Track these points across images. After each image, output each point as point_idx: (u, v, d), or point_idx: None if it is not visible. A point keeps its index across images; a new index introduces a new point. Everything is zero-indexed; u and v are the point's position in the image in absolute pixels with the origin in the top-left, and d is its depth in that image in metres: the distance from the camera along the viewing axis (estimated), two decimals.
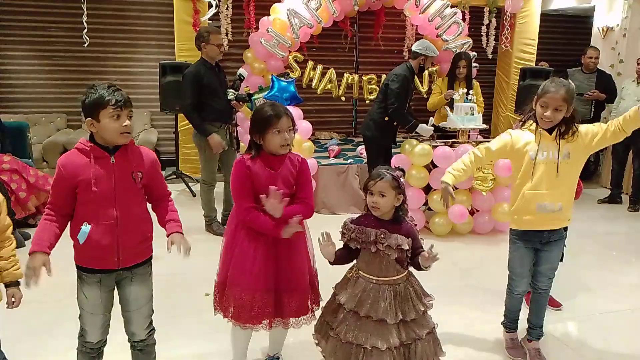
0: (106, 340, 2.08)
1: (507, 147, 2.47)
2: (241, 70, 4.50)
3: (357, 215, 2.17)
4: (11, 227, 1.99)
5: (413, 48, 4.53)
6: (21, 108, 6.13)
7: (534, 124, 2.42)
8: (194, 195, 5.52)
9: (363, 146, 5.55)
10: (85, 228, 1.88)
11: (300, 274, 2.25)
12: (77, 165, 1.88)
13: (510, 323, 2.74)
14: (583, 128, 2.41)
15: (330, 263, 2.13)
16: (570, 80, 5.83)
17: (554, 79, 2.40)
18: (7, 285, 1.96)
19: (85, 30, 5.18)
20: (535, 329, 2.67)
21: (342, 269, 2.20)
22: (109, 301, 2.02)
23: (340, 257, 2.14)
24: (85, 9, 5.17)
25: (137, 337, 2.10)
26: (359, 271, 2.11)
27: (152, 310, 2.12)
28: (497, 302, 2.65)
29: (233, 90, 4.37)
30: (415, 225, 2.14)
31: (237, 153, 4.39)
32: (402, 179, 2.06)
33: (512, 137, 2.47)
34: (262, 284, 2.16)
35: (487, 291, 3.30)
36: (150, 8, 6.30)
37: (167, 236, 2.04)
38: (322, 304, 2.30)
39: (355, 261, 2.17)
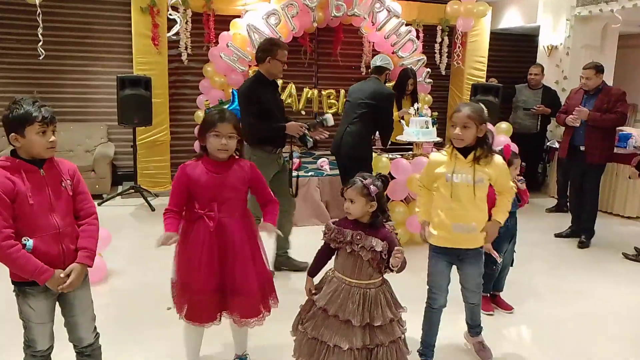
0: (53, 345, 2.09)
1: (430, 168, 2.59)
2: (328, 116, 3.85)
3: (340, 218, 2.25)
4: None
5: (379, 63, 4.47)
6: None
7: (451, 147, 2.52)
8: (153, 210, 5.47)
9: (325, 159, 5.67)
10: (29, 242, 1.88)
11: (246, 276, 2.31)
12: (10, 181, 1.85)
13: (426, 349, 2.71)
14: (503, 171, 2.52)
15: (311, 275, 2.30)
16: (516, 99, 5.98)
17: (465, 102, 2.56)
18: None
19: (40, 43, 5.09)
20: (474, 327, 2.81)
21: None
22: (53, 308, 2.05)
23: (320, 260, 2.28)
24: (40, 22, 5.08)
25: (85, 342, 2.13)
26: (335, 271, 2.20)
27: (95, 315, 2.17)
28: (455, 309, 2.76)
29: (309, 137, 3.80)
30: (396, 233, 2.23)
31: (291, 191, 3.95)
32: (372, 187, 2.11)
33: (430, 161, 2.62)
34: (208, 285, 2.25)
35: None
36: (108, 21, 6.24)
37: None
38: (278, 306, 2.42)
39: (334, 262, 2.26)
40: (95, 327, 2.17)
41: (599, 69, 4.66)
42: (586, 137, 4.71)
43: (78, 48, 6.21)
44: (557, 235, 5.06)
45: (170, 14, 3.37)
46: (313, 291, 2.23)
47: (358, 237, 2.11)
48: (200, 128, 2.28)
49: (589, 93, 4.74)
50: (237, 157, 2.35)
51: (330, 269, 2.27)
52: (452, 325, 2.90)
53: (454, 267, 2.67)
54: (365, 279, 2.12)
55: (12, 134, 1.88)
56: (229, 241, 2.27)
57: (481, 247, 2.63)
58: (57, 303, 2.06)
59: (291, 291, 2.35)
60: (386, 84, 4.68)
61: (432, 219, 2.61)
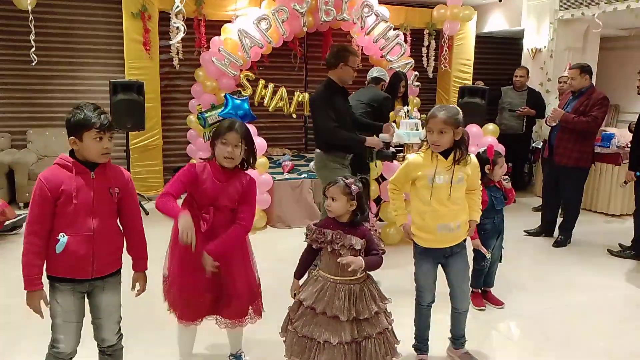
0: (77, 350, 2.13)
1: (408, 171, 2.58)
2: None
3: (320, 220, 2.35)
4: None
5: (375, 74, 4.84)
6: None
7: (430, 149, 2.55)
8: (147, 214, 5.51)
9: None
10: (63, 239, 1.97)
11: (235, 280, 2.39)
12: (60, 178, 1.97)
13: (420, 344, 2.78)
14: (475, 170, 2.61)
15: (297, 277, 2.37)
16: (502, 101, 6.02)
17: (439, 106, 2.58)
18: None
19: (33, 49, 5.11)
20: (459, 339, 2.82)
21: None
22: (81, 308, 2.10)
23: (305, 262, 2.35)
24: (33, 28, 5.11)
25: (107, 343, 2.19)
26: (319, 270, 2.29)
27: (121, 317, 2.22)
28: (445, 305, 2.85)
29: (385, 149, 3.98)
30: (375, 230, 2.32)
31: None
32: (353, 187, 2.21)
33: (409, 163, 2.59)
34: (200, 284, 2.32)
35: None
36: (99, 27, 6.27)
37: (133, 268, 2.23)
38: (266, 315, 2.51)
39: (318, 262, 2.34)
40: (119, 329, 2.22)
41: (584, 69, 4.62)
42: (557, 137, 4.76)
43: (69, 54, 6.23)
44: (527, 232, 5.14)
45: (174, 22, 3.44)
46: (296, 293, 2.32)
47: (338, 237, 2.20)
48: (213, 135, 2.36)
49: (574, 94, 4.77)
50: (241, 168, 2.40)
51: (313, 269, 2.36)
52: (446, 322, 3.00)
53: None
54: (349, 275, 2.20)
55: (72, 137, 1.98)
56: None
57: (465, 241, 2.71)
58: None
59: (285, 292, 2.43)
60: None
61: (414, 223, 2.64)
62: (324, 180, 3.73)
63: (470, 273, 3.40)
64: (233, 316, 2.43)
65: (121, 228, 2.17)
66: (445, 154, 2.51)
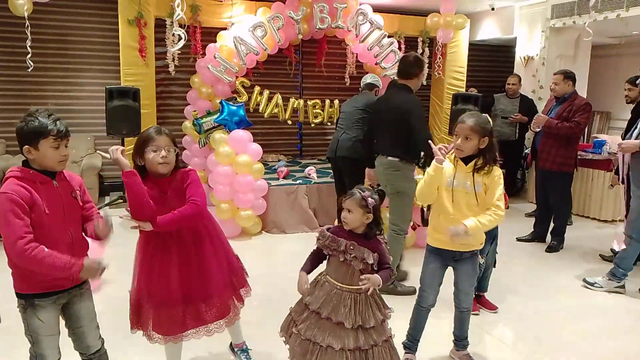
0: (61, 358, 2.12)
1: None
2: None
3: (334, 226, 2.33)
4: None
5: (369, 80, 4.88)
6: None
7: (454, 154, 2.59)
8: None
9: (312, 167, 5.79)
10: None
11: (214, 278, 2.35)
12: (25, 190, 1.87)
13: (410, 343, 2.82)
14: (494, 184, 2.50)
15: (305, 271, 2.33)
16: (495, 108, 6.07)
17: (470, 112, 2.61)
18: None
19: (29, 55, 5.12)
20: (461, 340, 2.86)
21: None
22: (59, 320, 2.08)
23: (313, 262, 2.34)
24: (29, 34, 5.12)
25: (93, 349, 2.17)
26: (327, 276, 2.28)
27: (97, 322, 2.21)
28: (442, 309, 2.88)
29: None
30: (386, 244, 2.31)
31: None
32: (370, 200, 2.20)
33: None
34: (177, 297, 2.27)
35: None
36: (95, 33, 6.30)
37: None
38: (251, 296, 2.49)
39: (325, 266, 2.34)
40: (100, 334, 2.21)
41: (567, 76, 4.70)
42: (541, 142, 4.85)
43: (64, 60, 6.25)
44: (519, 239, 5.15)
45: (175, 30, 3.48)
46: (307, 286, 2.28)
47: (351, 248, 2.20)
48: (135, 149, 2.24)
49: (558, 100, 4.84)
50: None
51: (321, 273, 2.35)
52: (443, 326, 3.03)
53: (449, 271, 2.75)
54: (356, 284, 2.20)
55: (26, 146, 1.89)
56: (187, 244, 2.28)
57: (478, 251, 2.70)
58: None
59: (281, 297, 2.45)
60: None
61: (430, 221, 2.70)
62: (401, 190, 3.65)
63: None
64: (216, 318, 2.39)
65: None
66: (467, 160, 2.54)
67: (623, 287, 3.95)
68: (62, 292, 2.02)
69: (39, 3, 5.21)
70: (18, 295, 1.99)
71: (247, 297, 2.55)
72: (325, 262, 2.33)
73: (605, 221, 6.00)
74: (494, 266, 3.56)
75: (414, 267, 3.82)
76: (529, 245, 5.06)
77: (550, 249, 4.88)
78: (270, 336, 2.49)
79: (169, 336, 2.32)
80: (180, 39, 3.48)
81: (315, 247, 2.34)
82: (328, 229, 2.31)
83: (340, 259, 2.21)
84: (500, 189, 2.53)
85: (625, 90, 4.76)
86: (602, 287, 3.97)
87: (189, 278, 2.28)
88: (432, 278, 2.71)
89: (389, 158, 3.71)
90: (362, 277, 2.15)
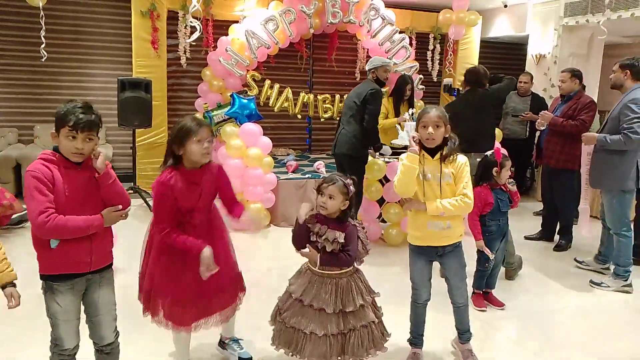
0: (79, 345, 2.15)
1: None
2: None
3: (311, 215, 2.37)
4: None
5: (366, 67, 4.70)
6: None
7: (419, 147, 2.58)
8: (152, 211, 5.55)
9: (321, 162, 5.81)
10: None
11: (225, 274, 2.42)
12: (48, 170, 1.92)
13: (415, 339, 2.86)
14: (461, 170, 2.57)
15: (295, 230, 2.36)
16: (506, 106, 6.04)
17: (429, 105, 2.75)
18: (3, 287, 2.00)
19: (43, 45, 5.17)
20: (464, 333, 2.87)
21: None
22: (79, 306, 2.11)
23: (300, 231, 2.35)
24: (43, 24, 5.16)
25: (106, 341, 2.18)
26: (308, 264, 2.35)
27: (116, 315, 2.24)
28: (444, 303, 2.89)
29: None
30: (364, 229, 2.38)
31: None
32: (352, 187, 2.29)
33: (402, 159, 2.62)
34: (191, 293, 2.33)
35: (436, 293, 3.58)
36: (108, 24, 6.34)
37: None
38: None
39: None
40: (116, 327, 2.23)
41: (574, 74, 4.70)
42: (545, 140, 4.86)
43: (78, 50, 6.30)
44: (527, 238, 5.14)
45: (191, 22, 3.50)
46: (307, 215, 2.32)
47: (324, 231, 2.27)
48: (175, 138, 2.26)
49: (564, 98, 4.82)
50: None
51: (304, 263, 2.42)
52: (443, 320, 3.05)
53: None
54: (337, 269, 2.27)
55: (52, 131, 1.96)
56: (204, 239, 2.31)
57: (460, 243, 2.73)
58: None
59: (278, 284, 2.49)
60: (381, 84, 4.63)
61: (409, 222, 2.75)
62: None
63: (474, 274, 3.47)
64: (226, 306, 2.47)
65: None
66: (432, 153, 2.58)
67: (630, 285, 3.94)
68: (79, 276, 2.04)
69: None
70: (41, 277, 2.04)
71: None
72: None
73: None
74: (503, 264, 3.57)
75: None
76: (537, 243, 5.05)
77: (558, 248, 4.88)
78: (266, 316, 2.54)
79: (182, 327, 2.37)
80: (195, 30, 3.50)
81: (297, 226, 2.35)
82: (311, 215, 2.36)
83: (315, 243, 2.28)
84: (467, 176, 2.58)
85: (612, 72, 4.59)
86: (609, 287, 3.97)
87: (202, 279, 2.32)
88: (421, 275, 2.74)
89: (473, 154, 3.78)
90: (308, 249, 2.24)
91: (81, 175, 2.00)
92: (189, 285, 2.32)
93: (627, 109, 3.72)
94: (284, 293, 2.42)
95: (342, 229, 2.27)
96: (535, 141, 6.97)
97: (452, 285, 2.77)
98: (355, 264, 2.38)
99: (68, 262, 1.99)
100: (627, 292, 3.93)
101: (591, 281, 4.08)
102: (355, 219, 2.41)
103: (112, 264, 2.19)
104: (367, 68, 4.71)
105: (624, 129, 3.69)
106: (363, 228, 2.39)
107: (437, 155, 2.58)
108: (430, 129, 2.52)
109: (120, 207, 2.03)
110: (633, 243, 3.98)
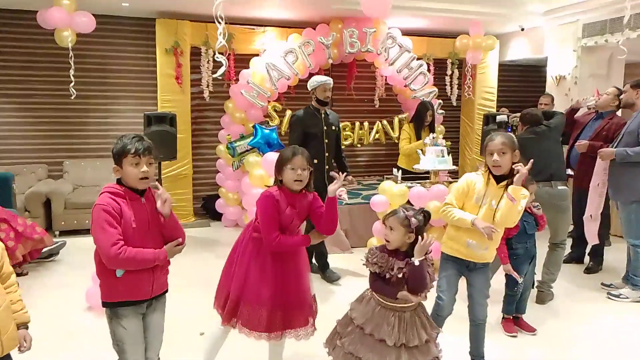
0: None
1: (465, 190, 2.70)
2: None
3: (379, 246, 2.37)
4: (14, 274, 2.06)
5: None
6: (2, 159, 6.19)
7: (487, 172, 2.67)
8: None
9: (343, 188, 5.82)
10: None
11: (306, 291, 2.54)
12: (116, 203, 2.04)
13: None
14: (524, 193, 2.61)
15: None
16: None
17: (495, 132, 2.78)
18: (17, 328, 2.00)
19: (72, 84, 5.37)
20: (478, 358, 2.86)
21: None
22: (142, 328, 2.20)
23: (378, 280, 2.31)
24: (72, 64, 5.38)
25: None
26: (372, 292, 2.31)
27: (162, 338, 2.32)
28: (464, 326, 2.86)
29: None
30: (431, 265, 2.29)
31: None
32: (413, 219, 2.22)
33: (467, 181, 2.72)
34: (273, 301, 2.41)
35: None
36: (133, 62, 6.55)
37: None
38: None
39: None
40: (159, 351, 2.31)
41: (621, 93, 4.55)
42: (579, 161, 4.75)
43: (105, 88, 6.51)
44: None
45: (217, 57, 3.63)
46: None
47: (392, 264, 2.22)
48: (276, 164, 2.51)
49: (598, 113, 4.77)
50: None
51: (368, 288, 2.37)
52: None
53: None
54: (401, 302, 2.22)
55: (115, 165, 2.08)
56: (293, 261, 2.50)
57: (489, 263, 2.77)
58: None
59: (323, 309, 2.50)
60: (323, 104, 4.51)
61: (447, 233, 2.80)
62: (567, 220, 4.08)
63: (503, 299, 3.42)
64: (300, 325, 2.51)
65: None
66: (499, 180, 2.61)
67: None
68: (140, 302, 2.14)
69: (82, 34, 5.49)
70: (104, 304, 2.13)
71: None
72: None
73: None
74: (533, 287, 3.51)
75: None
76: (567, 266, 4.93)
77: (589, 271, 4.77)
78: (304, 344, 2.53)
79: (264, 333, 2.43)
80: (221, 65, 3.62)
81: (370, 273, 2.33)
82: (377, 247, 2.34)
83: (386, 276, 2.24)
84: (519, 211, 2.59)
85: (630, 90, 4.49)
86: (627, 298, 4.03)
87: (284, 287, 2.45)
88: (448, 285, 2.77)
89: (562, 187, 3.95)
90: (398, 295, 2.18)
91: (145, 207, 2.11)
92: (279, 290, 2.42)
93: None
94: (344, 317, 2.38)
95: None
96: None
97: (475, 301, 2.78)
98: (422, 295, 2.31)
99: (132, 289, 2.09)
100: None
101: (609, 293, 4.10)
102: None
103: (167, 290, 2.29)
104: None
105: None
106: (432, 264, 2.34)
107: (503, 182, 2.60)
108: (496, 156, 2.57)
109: (180, 240, 2.18)
110: None
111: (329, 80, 4.47)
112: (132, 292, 2.10)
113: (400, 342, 2.18)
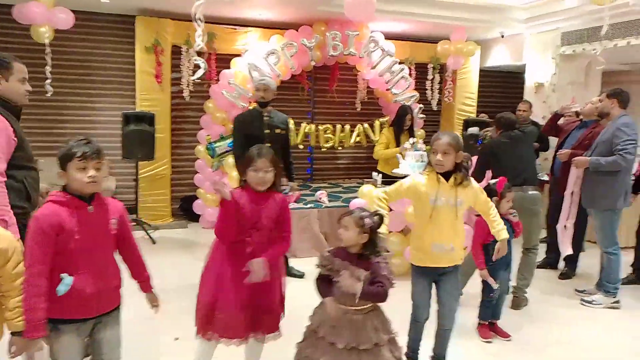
0: None
1: (409, 190, 2.74)
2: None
3: (335, 247, 2.38)
4: (22, 278, 1.92)
5: None
6: None
7: (434, 172, 2.71)
8: (154, 243, 5.56)
9: (323, 191, 5.83)
10: (68, 279, 1.92)
11: (275, 294, 2.51)
12: (58, 214, 1.92)
13: (412, 353, 2.93)
14: (478, 191, 2.79)
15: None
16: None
17: (443, 131, 2.86)
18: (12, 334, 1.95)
19: (48, 81, 5.26)
20: (439, 359, 2.93)
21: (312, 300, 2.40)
22: (84, 348, 2.07)
23: (321, 287, 2.35)
24: (49, 60, 5.27)
25: None
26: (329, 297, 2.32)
27: (120, 354, 2.21)
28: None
29: None
30: (387, 264, 2.31)
31: None
32: (367, 220, 2.26)
33: (412, 182, 2.75)
34: (240, 303, 2.38)
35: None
36: (112, 59, 6.44)
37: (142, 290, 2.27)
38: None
39: None
40: None
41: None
42: (560, 169, 4.79)
43: (83, 85, 6.38)
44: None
45: (195, 59, 3.60)
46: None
47: (343, 267, 2.24)
48: (243, 163, 2.48)
49: (582, 122, 4.81)
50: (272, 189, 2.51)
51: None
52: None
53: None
54: (353, 304, 2.23)
55: (59, 170, 1.97)
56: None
57: (458, 265, 2.81)
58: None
59: (293, 321, 2.49)
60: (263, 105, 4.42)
61: (412, 243, 2.85)
62: (539, 225, 4.15)
63: (479, 305, 3.45)
64: (268, 330, 2.50)
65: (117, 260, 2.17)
66: (447, 177, 2.67)
67: (618, 302, 4.10)
68: (85, 320, 2.02)
69: (60, 30, 5.38)
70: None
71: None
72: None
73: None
74: (507, 293, 3.54)
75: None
76: (542, 271, 5.00)
77: (563, 276, 4.85)
78: (275, 353, 2.52)
79: (232, 339, 2.42)
80: (199, 68, 3.56)
81: (318, 274, 2.36)
82: (328, 251, 2.36)
83: (335, 278, 2.25)
84: (488, 200, 2.85)
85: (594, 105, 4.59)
86: (600, 304, 4.12)
87: (253, 290, 2.39)
88: (422, 296, 2.82)
89: (533, 192, 4.00)
90: (343, 275, 2.19)
91: (93, 218, 2.00)
92: (246, 294, 2.39)
93: (619, 132, 3.91)
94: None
95: (364, 266, 2.24)
96: (541, 168, 6.98)
97: (445, 305, 2.82)
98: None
99: (75, 307, 1.97)
100: (616, 308, 4.05)
101: (582, 300, 4.19)
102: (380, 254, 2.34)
103: (120, 304, 2.18)
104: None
105: (619, 151, 3.87)
106: (387, 263, 2.34)
107: (452, 180, 2.66)
108: (439, 156, 2.63)
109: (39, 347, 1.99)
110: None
111: (264, 80, 4.39)
112: (74, 311, 1.98)
113: (350, 345, 2.19)
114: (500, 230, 2.88)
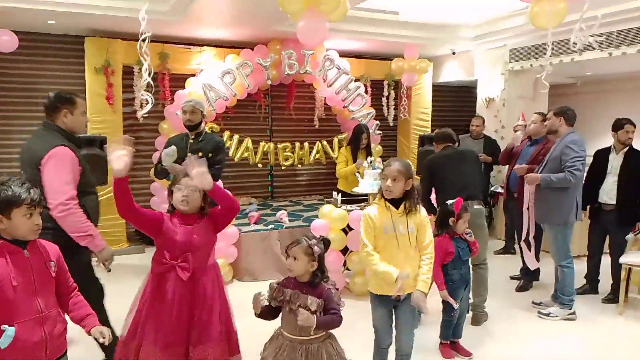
0: None
1: (370, 223, 2.71)
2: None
3: (284, 278, 2.36)
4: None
5: None
6: None
7: (382, 200, 2.72)
8: (109, 271, 5.34)
9: (283, 211, 5.78)
10: (10, 330, 1.81)
11: (209, 325, 2.37)
12: None
13: None
14: (425, 219, 2.76)
15: (256, 315, 2.31)
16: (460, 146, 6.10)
17: (395, 157, 2.86)
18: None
19: None
20: None
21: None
22: None
23: (264, 312, 2.32)
24: None
25: None
26: (281, 329, 2.30)
27: None
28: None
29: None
30: (337, 289, 2.34)
31: None
32: (316, 247, 2.25)
33: (372, 216, 2.71)
34: (172, 338, 2.29)
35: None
36: (62, 81, 6.21)
37: (88, 331, 2.09)
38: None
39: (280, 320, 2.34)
40: None
41: (546, 118, 4.74)
42: (518, 183, 4.92)
43: (30, 108, 6.11)
44: (513, 278, 5.26)
45: (142, 94, 3.51)
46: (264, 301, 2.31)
47: (296, 296, 2.23)
48: (169, 187, 2.46)
49: (531, 140, 5.02)
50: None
51: (277, 327, 2.36)
52: None
53: None
54: (307, 335, 2.22)
55: None
56: (200, 291, 2.36)
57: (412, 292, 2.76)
58: None
59: (256, 348, 2.43)
60: (191, 127, 4.41)
61: (370, 271, 2.80)
62: (485, 239, 4.09)
63: (440, 324, 3.47)
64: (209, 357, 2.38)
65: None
66: (396, 205, 2.66)
67: (574, 313, 4.22)
68: None
69: (4, 53, 5.16)
70: None
71: None
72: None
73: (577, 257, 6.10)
74: (468, 312, 3.58)
75: None
76: (498, 285, 5.08)
77: (520, 289, 4.96)
78: None
79: None
80: (147, 102, 3.50)
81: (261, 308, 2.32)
82: (277, 282, 2.33)
83: (286, 309, 2.24)
84: (429, 229, 2.77)
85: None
86: (557, 316, 4.21)
87: (188, 322, 2.33)
88: (382, 321, 2.82)
89: (477, 206, 4.01)
90: (300, 311, 2.16)
91: (29, 260, 1.91)
92: (181, 326, 2.30)
93: (568, 150, 4.03)
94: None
95: (315, 294, 2.23)
96: (495, 182, 7.18)
97: (403, 332, 2.81)
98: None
99: (22, 358, 1.86)
100: (572, 319, 4.17)
101: (539, 312, 4.29)
102: (327, 281, 2.34)
103: (66, 351, 2.07)
104: None
105: (568, 167, 3.98)
106: (337, 289, 2.35)
107: (401, 207, 2.67)
108: (389, 182, 2.63)
109: None
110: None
111: (191, 101, 4.35)
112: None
113: None
114: (422, 282, 2.68)
